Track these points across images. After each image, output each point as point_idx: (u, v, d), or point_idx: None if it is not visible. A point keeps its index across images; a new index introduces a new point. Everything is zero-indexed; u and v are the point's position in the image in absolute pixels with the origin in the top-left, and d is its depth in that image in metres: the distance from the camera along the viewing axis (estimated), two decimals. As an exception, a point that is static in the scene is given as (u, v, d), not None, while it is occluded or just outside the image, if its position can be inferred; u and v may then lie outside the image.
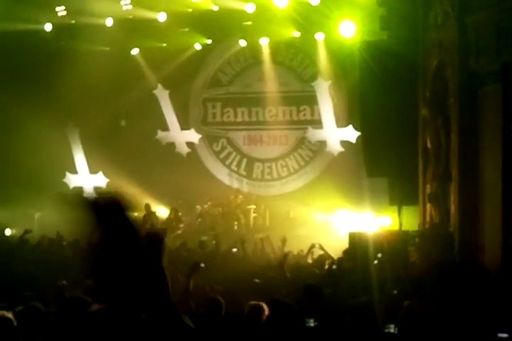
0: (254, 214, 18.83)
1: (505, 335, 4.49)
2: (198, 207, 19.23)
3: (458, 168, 12.36)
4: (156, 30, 18.87)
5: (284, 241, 13.46)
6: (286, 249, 13.28)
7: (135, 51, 20.17)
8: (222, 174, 20.71)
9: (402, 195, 14.27)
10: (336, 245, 12.66)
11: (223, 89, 20.84)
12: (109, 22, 18.49)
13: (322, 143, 19.67)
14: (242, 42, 19.79)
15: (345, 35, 16.46)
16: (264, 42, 19.75)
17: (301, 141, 20.18)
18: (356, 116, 16.93)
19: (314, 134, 19.69)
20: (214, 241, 13.87)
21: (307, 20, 18.05)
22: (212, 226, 18.22)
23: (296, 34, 18.95)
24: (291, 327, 5.51)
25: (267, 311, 6.23)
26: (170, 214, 19.00)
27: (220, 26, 18.89)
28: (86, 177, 20.95)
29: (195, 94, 21.06)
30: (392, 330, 4.22)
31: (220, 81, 20.90)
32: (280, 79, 19.95)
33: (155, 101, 20.36)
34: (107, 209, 2.49)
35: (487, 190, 11.79)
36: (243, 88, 20.53)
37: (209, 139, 21.00)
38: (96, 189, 18.33)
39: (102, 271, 2.37)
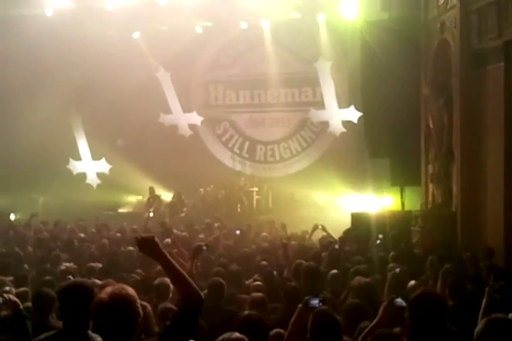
0: (257, 197, 18.87)
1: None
2: (201, 189, 19.29)
3: (460, 147, 12.32)
4: (157, 14, 18.74)
5: (283, 227, 13.54)
6: (289, 231, 13.38)
7: (136, 35, 20.08)
8: (224, 157, 20.72)
9: (404, 176, 14.29)
10: (338, 226, 12.68)
11: (225, 71, 20.76)
12: (110, 6, 18.37)
13: (324, 125, 19.65)
14: (243, 24, 19.68)
15: (346, 16, 16.33)
16: (265, 24, 19.63)
17: (304, 123, 20.15)
18: (358, 97, 16.87)
19: (316, 115, 19.66)
20: (217, 224, 13.93)
21: (308, 1, 17.94)
22: (215, 209, 18.28)
23: (297, 15, 18.83)
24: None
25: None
26: (173, 197, 19.08)
27: (220, 8, 18.75)
28: (89, 164, 21.00)
29: (197, 76, 21.00)
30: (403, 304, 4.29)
31: (222, 63, 20.81)
32: (282, 60, 19.85)
33: (157, 84, 20.31)
34: None
35: (489, 169, 11.77)
36: (245, 70, 20.45)
37: (211, 122, 20.98)
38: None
39: None
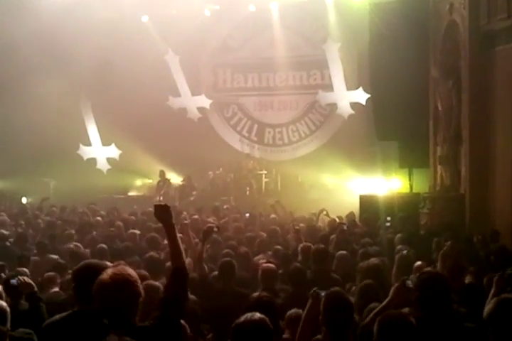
0: (266, 179, 18.91)
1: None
2: (210, 173, 19.35)
3: (469, 129, 12.31)
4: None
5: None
6: (297, 214, 13.43)
7: (145, 18, 20.04)
8: (233, 140, 20.74)
9: (412, 158, 14.29)
10: (347, 208, 12.75)
11: (233, 54, 20.70)
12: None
13: (332, 107, 19.60)
14: (252, 7, 19.59)
15: (355, -3, 16.25)
16: (273, 7, 19.54)
17: (312, 106, 20.11)
18: (366, 79, 16.81)
19: (325, 97, 19.58)
20: (226, 206, 14.00)
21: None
22: (224, 192, 18.36)
23: (306, -3, 18.75)
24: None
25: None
26: (183, 181, 19.17)
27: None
28: (99, 149, 21.08)
29: (206, 60, 20.95)
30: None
31: (230, 46, 20.75)
32: (290, 43, 19.75)
33: (166, 67, 20.28)
34: None
35: (498, 151, 11.76)
36: (253, 53, 20.36)
37: (220, 105, 20.97)
38: None
39: None
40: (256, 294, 4.71)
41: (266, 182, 18.88)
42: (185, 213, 12.46)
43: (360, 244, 8.76)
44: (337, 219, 11.17)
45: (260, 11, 19.59)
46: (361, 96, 18.42)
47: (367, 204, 13.09)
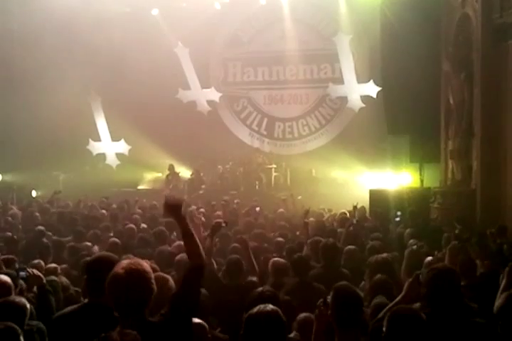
0: (276, 174, 18.87)
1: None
2: (220, 167, 19.32)
3: (481, 123, 12.21)
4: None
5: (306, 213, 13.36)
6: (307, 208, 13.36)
7: (155, 11, 20.00)
8: (243, 134, 20.70)
9: (423, 152, 14.20)
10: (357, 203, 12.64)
11: (243, 48, 20.64)
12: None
13: (343, 101, 19.51)
14: (262, 1, 19.50)
15: (366, -10, 16.13)
16: (284, 0, 19.44)
17: (322, 100, 20.02)
18: (377, 72, 16.70)
19: (335, 90, 19.50)
20: (237, 200, 13.98)
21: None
22: (233, 186, 18.33)
23: (316, -10, 18.64)
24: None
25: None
26: (192, 174, 19.16)
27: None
28: (109, 145, 21.10)
29: (216, 53, 20.90)
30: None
31: (241, 40, 20.68)
32: (300, 37, 19.66)
33: (176, 61, 20.25)
34: None
35: (510, 145, 11.66)
36: (263, 47, 20.29)
37: (230, 99, 20.92)
38: None
39: None
40: (260, 289, 4.67)
41: (275, 176, 18.84)
42: (193, 207, 12.45)
43: (370, 238, 8.70)
44: (347, 214, 11.10)
45: (271, 4, 19.52)
46: (372, 89, 18.33)
47: (377, 198, 13.02)
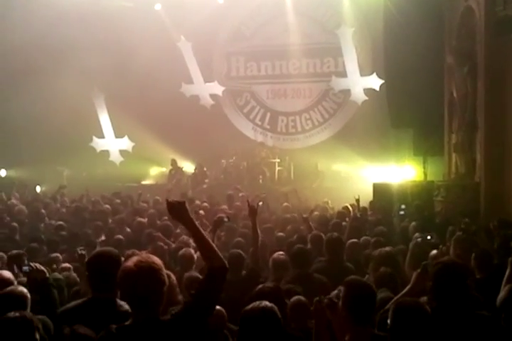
0: (279, 168, 18.86)
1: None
2: (223, 161, 19.32)
3: (484, 116, 12.16)
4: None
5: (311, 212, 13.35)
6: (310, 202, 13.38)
7: (158, 6, 19.95)
8: (246, 128, 20.68)
9: (427, 145, 14.18)
10: (360, 196, 12.63)
11: (246, 42, 20.58)
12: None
13: (346, 94, 19.46)
14: (265, -6, 19.46)
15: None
16: (287, -7, 19.40)
17: (325, 94, 19.98)
18: (380, 65, 16.65)
19: (338, 83, 19.44)
20: (241, 194, 13.95)
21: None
22: (237, 180, 18.33)
23: (319, -17, 18.57)
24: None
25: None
26: (195, 169, 19.16)
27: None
28: (112, 141, 21.09)
29: (219, 48, 20.85)
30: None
31: (243, 34, 20.62)
32: (304, 30, 19.60)
33: (179, 55, 20.21)
34: None
35: (514, 138, 11.62)
36: (266, 41, 20.23)
37: (233, 93, 20.89)
38: None
39: None
40: (260, 286, 4.67)
41: (279, 170, 18.83)
42: (197, 201, 12.45)
43: (374, 232, 8.69)
44: (350, 208, 11.09)
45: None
46: (375, 81, 18.29)
47: (380, 192, 13.00)
